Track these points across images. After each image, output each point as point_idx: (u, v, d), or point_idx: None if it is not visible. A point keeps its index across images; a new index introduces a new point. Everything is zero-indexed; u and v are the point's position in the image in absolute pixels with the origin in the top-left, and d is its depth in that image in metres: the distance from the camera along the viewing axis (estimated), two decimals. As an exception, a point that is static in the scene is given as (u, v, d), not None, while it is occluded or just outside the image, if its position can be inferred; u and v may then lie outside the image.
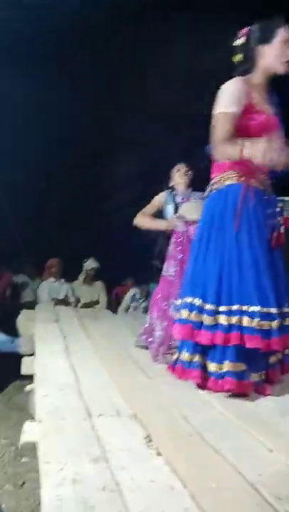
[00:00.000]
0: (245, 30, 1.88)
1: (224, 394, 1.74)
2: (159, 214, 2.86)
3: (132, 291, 5.07)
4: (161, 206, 2.88)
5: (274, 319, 1.73)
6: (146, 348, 2.49)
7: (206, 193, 2.00)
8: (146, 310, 4.93)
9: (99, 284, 5.15)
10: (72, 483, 1.04)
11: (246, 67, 1.87)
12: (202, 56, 7.02)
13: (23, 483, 2.34)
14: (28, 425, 1.41)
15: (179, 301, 1.96)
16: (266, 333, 1.72)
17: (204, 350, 1.81)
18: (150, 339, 2.51)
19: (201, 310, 1.79)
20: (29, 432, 1.35)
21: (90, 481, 1.06)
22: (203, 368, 1.81)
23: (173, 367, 1.93)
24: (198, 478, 1.14)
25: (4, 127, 5.92)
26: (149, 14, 6.45)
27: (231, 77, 1.88)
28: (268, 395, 1.79)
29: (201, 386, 1.80)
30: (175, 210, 2.78)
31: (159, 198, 2.90)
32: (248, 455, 1.30)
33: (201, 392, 1.81)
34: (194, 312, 1.80)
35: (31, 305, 4.65)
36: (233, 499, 1.06)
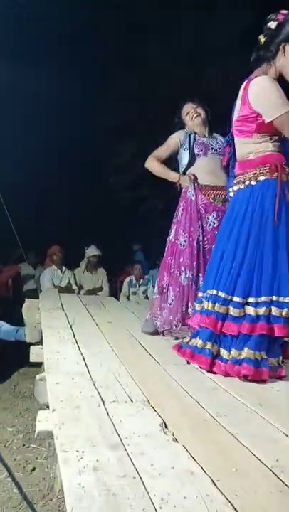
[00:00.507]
0: (282, 16, 1.80)
1: (241, 379, 1.78)
2: (174, 157, 2.61)
3: (128, 278, 5.15)
4: (177, 148, 2.59)
5: None
6: (153, 333, 2.48)
7: (233, 189, 1.99)
8: (145, 293, 5.00)
9: (101, 271, 5.13)
10: (92, 470, 1.03)
11: (264, 55, 1.83)
12: (200, 44, 6.92)
13: (33, 469, 2.36)
14: (42, 414, 1.40)
15: (200, 294, 2.03)
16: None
17: (218, 339, 1.88)
18: (161, 312, 2.50)
19: (225, 302, 1.85)
20: (44, 420, 1.35)
21: (110, 469, 1.05)
22: (212, 355, 1.87)
23: (180, 348, 2.00)
24: (217, 464, 1.14)
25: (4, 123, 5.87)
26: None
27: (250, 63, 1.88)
28: (283, 377, 1.82)
29: (208, 371, 1.87)
30: (191, 160, 2.50)
31: (176, 139, 2.59)
32: (264, 440, 1.30)
33: (211, 376, 1.81)
34: (218, 304, 1.86)
35: (33, 293, 4.64)
36: (253, 484, 1.06)
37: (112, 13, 6.65)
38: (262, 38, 1.84)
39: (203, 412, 1.46)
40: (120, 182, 8.51)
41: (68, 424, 1.28)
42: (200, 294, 2.03)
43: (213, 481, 1.05)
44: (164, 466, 1.10)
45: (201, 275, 2.38)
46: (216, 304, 1.87)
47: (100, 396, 1.50)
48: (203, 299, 1.96)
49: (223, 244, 1.94)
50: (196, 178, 2.48)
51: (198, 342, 1.91)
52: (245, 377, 1.76)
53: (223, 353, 1.85)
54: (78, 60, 6.99)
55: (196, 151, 2.50)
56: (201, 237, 2.42)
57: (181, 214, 2.49)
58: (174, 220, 2.56)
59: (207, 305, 1.91)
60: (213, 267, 1.98)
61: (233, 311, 1.82)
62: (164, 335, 2.49)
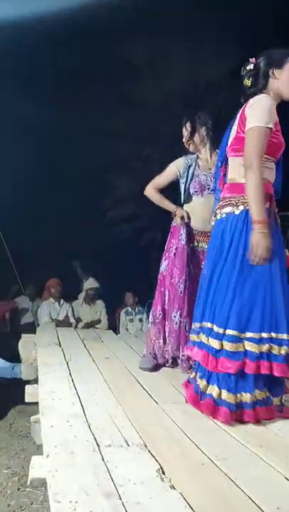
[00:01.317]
0: (253, 59, 1.92)
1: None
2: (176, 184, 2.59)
3: (124, 309, 5.19)
4: (177, 178, 2.58)
5: None
6: (151, 369, 2.45)
7: (222, 211, 1.90)
8: (141, 321, 4.98)
9: (100, 304, 5.11)
10: (86, 524, 1.00)
11: (257, 89, 1.88)
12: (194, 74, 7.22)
13: (28, 515, 2.27)
14: (35, 460, 1.36)
15: (197, 324, 1.93)
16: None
17: (215, 377, 1.78)
18: (157, 341, 2.51)
19: (218, 336, 1.76)
20: (38, 466, 1.30)
21: (104, 521, 1.02)
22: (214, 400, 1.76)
23: (188, 384, 1.96)
24: (216, 513, 1.10)
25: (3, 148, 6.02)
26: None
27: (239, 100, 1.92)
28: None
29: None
30: (186, 197, 2.51)
31: (175, 170, 2.58)
32: (265, 485, 1.26)
33: (210, 417, 1.77)
34: (211, 338, 1.78)
35: (31, 327, 4.60)
36: (252, 535, 1.02)
37: (110, 50, 6.98)
38: (247, 81, 1.90)
39: (202, 456, 1.42)
40: (119, 214, 8.63)
41: (62, 471, 1.24)
42: (196, 325, 1.93)
43: (211, 533, 1.01)
44: (160, 517, 1.06)
45: (187, 317, 2.39)
46: (209, 338, 1.78)
47: (96, 440, 1.46)
48: (200, 331, 1.88)
49: (211, 273, 1.87)
50: (189, 221, 2.51)
51: (202, 383, 1.81)
52: (261, 420, 1.71)
53: (225, 395, 1.72)
54: (76, 97, 7.25)
55: (191, 190, 2.51)
56: (188, 283, 2.44)
57: (174, 253, 2.49)
58: (166, 254, 2.55)
59: (199, 337, 1.86)
60: (207, 298, 1.88)
61: (228, 346, 1.71)
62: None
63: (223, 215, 1.88)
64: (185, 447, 1.48)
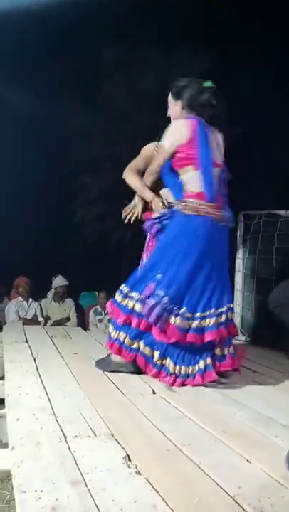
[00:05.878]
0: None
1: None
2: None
3: (94, 308, 5.16)
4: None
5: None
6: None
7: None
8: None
9: (69, 301, 5.08)
10: (51, 511, 1.00)
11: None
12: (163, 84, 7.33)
13: (-5, 515, 2.22)
14: (1, 453, 1.34)
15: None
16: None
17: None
18: None
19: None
20: (3, 459, 1.29)
21: (70, 507, 1.03)
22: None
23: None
24: (180, 495, 1.13)
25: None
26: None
27: None
28: None
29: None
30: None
31: (149, 150, 2.41)
32: (228, 468, 1.30)
33: (176, 405, 1.81)
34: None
35: (-1, 326, 4.48)
36: (215, 514, 1.06)
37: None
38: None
39: (167, 442, 1.45)
40: (89, 214, 8.62)
41: (28, 462, 1.24)
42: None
43: (175, 514, 1.04)
44: (125, 501, 1.08)
45: None
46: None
47: (62, 431, 1.46)
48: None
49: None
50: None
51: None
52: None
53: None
54: (48, 99, 7.20)
55: None
56: None
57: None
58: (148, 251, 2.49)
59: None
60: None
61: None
62: None
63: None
64: (151, 435, 1.51)
